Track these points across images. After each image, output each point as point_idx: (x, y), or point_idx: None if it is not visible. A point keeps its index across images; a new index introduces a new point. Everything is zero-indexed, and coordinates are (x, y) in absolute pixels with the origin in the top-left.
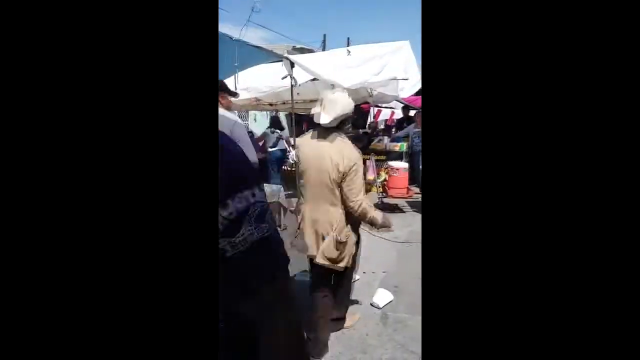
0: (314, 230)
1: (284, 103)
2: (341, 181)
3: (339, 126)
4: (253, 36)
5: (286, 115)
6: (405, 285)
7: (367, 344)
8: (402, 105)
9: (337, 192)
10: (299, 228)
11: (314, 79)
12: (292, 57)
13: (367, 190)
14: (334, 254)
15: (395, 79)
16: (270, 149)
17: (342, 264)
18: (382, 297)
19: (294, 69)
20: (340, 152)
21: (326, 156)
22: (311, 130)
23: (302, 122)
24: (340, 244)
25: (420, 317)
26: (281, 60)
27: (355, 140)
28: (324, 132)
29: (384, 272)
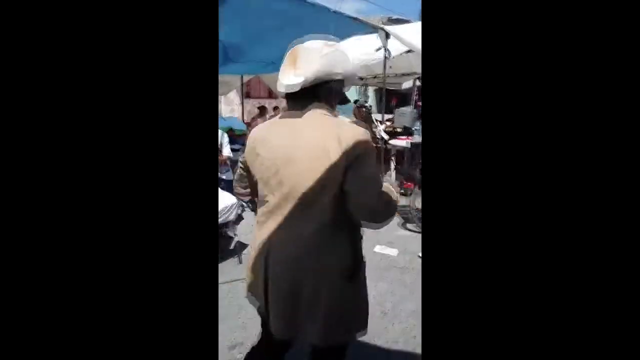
0: (284, 277)
1: (375, 77)
2: (340, 181)
3: (315, 94)
4: (349, 8)
5: (375, 90)
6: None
7: None
8: None
9: (331, 202)
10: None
11: (408, 51)
12: (388, 28)
13: None
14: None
15: None
16: None
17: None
18: None
19: (388, 40)
20: (332, 133)
21: (306, 144)
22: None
23: (392, 98)
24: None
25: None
26: (375, 32)
27: None
28: (295, 106)
29: None
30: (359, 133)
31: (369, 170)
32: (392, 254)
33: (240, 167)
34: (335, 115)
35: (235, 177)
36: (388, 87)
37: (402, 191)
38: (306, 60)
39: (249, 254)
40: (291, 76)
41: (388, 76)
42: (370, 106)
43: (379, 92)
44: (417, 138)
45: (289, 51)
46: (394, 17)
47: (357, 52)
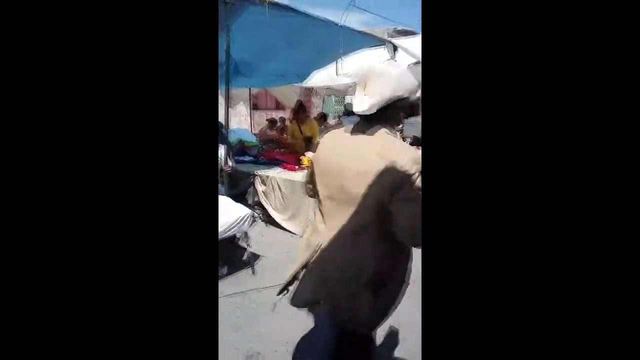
0: (335, 279)
1: None
2: (389, 199)
3: (384, 115)
4: (354, 20)
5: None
6: None
7: None
8: None
9: (374, 217)
10: (304, 267)
11: (417, 63)
12: (395, 41)
13: None
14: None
15: None
16: None
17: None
18: None
19: (396, 52)
20: (389, 153)
21: (360, 160)
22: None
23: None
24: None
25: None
26: (383, 44)
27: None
28: (362, 124)
29: None
30: (414, 156)
31: (414, 194)
32: None
33: (309, 168)
34: (398, 131)
35: (306, 176)
36: None
37: None
38: (377, 84)
39: (306, 237)
40: (365, 99)
41: None
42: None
43: None
44: None
45: (362, 72)
46: (399, 28)
47: (366, 64)
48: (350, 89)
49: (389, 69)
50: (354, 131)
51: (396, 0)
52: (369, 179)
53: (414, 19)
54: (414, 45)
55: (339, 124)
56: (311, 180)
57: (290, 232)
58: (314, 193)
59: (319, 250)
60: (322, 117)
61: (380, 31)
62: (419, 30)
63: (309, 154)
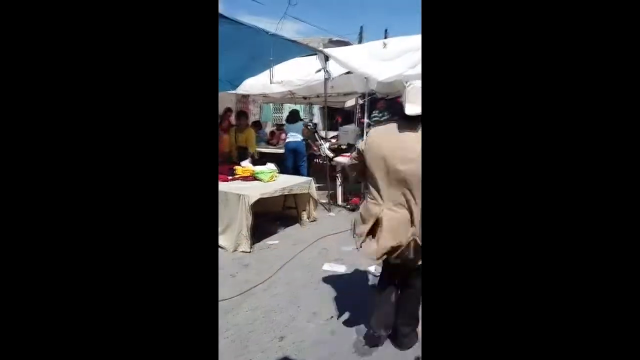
0: (393, 235)
1: (318, 96)
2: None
3: (419, 117)
4: (289, 29)
5: (320, 109)
6: None
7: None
8: None
9: (418, 191)
10: (371, 232)
11: (348, 72)
12: (327, 51)
13: None
14: (416, 256)
15: None
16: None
17: (419, 263)
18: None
19: (328, 62)
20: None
21: (412, 149)
22: (389, 121)
23: (336, 116)
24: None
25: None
26: (316, 54)
27: None
28: (407, 123)
29: None
30: None
31: None
32: (340, 270)
33: (354, 157)
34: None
35: (351, 167)
36: (332, 106)
37: (348, 207)
38: (419, 96)
39: (366, 208)
40: (414, 106)
41: (330, 95)
42: (316, 124)
43: (322, 110)
44: None
45: (410, 87)
46: (334, 38)
47: (300, 74)
48: (286, 97)
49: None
50: (400, 128)
51: (335, 12)
52: (415, 162)
53: (351, 30)
54: (345, 55)
55: (278, 131)
56: (357, 168)
57: (220, 247)
58: (361, 179)
59: (382, 215)
60: (256, 125)
61: (315, 40)
62: (354, 40)
63: (251, 166)
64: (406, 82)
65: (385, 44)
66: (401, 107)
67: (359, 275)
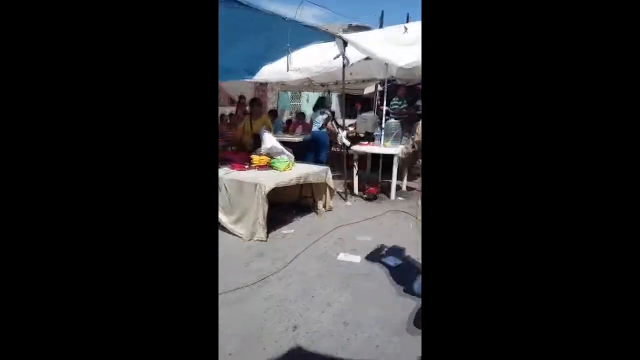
0: None
1: (336, 83)
2: None
3: None
4: (308, 14)
5: (338, 96)
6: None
7: (403, 329)
8: None
9: None
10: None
11: (367, 58)
12: (345, 36)
13: (418, 175)
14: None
15: None
16: (315, 130)
17: None
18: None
19: (346, 47)
20: None
21: None
22: None
23: (355, 103)
24: None
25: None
26: (334, 39)
27: (409, 122)
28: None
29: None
30: None
31: None
32: (355, 260)
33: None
34: None
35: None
36: (351, 93)
37: (365, 196)
38: None
39: None
40: None
41: (349, 82)
42: (333, 112)
43: (340, 97)
44: (378, 144)
45: None
46: (354, 24)
47: (318, 60)
48: (304, 84)
49: None
50: None
51: None
52: None
53: (372, 15)
54: (364, 40)
55: (297, 120)
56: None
57: (237, 235)
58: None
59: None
60: (272, 114)
61: (335, 27)
62: (375, 25)
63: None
64: None
65: (406, 29)
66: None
67: (375, 266)
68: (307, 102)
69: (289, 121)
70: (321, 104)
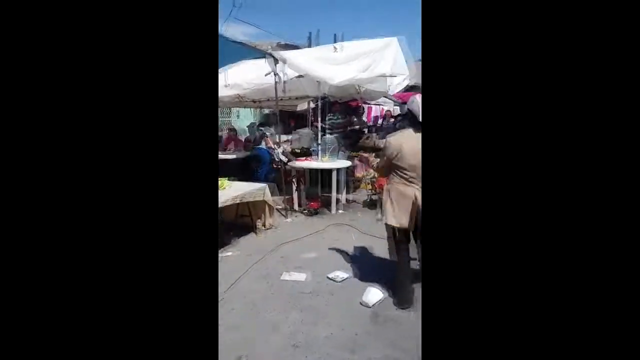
0: (411, 206)
1: (269, 100)
2: None
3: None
4: (236, 32)
5: (271, 113)
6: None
7: (356, 344)
8: (392, 101)
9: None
10: (390, 203)
11: (299, 76)
12: (277, 54)
13: (356, 188)
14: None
15: (384, 75)
16: (256, 147)
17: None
18: (373, 295)
19: (278, 65)
20: None
21: (420, 148)
22: (406, 127)
23: (289, 120)
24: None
25: (411, 313)
26: (265, 57)
27: (345, 137)
28: (418, 128)
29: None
30: None
31: None
32: (300, 279)
33: (384, 155)
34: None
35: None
36: (285, 109)
37: (305, 211)
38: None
39: (401, 190)
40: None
41: (282, 99)
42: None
43: (274, 114)
44: (316, 159)
45: (415, 100)
46: (283, 42)
47: (249, 77)
48: (235, 100)
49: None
50: (416, 132)
51: (283, 18)
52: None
53: (300, 34)
54: (295, 58)
55: (228, 136)
56: (386, 164)
57: None
58: (387, 172)
59: (415, 197)
60: None
61: (264, 44)
62: (303, 44)
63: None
64: (357, 86)
65: (335, 48)
66: (413, 115)
67: (321, 283)
68: (238, 118)
69: (227, 138)
70: (266, 122)
